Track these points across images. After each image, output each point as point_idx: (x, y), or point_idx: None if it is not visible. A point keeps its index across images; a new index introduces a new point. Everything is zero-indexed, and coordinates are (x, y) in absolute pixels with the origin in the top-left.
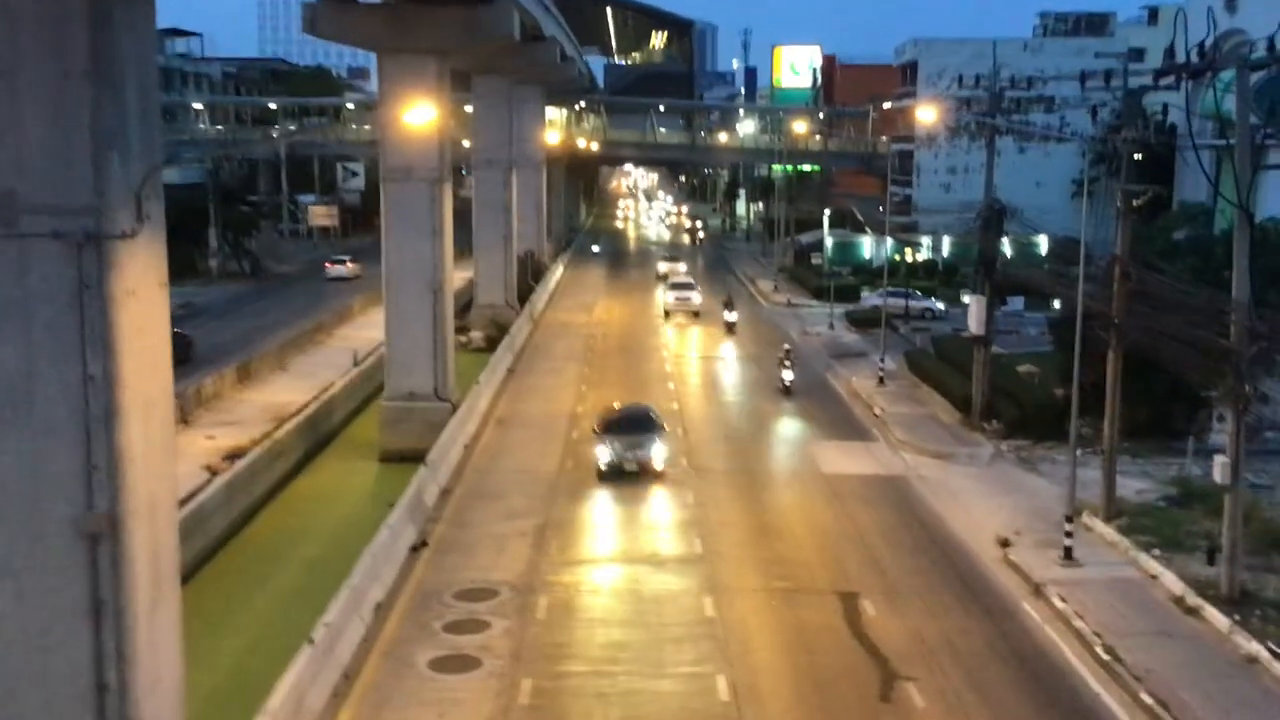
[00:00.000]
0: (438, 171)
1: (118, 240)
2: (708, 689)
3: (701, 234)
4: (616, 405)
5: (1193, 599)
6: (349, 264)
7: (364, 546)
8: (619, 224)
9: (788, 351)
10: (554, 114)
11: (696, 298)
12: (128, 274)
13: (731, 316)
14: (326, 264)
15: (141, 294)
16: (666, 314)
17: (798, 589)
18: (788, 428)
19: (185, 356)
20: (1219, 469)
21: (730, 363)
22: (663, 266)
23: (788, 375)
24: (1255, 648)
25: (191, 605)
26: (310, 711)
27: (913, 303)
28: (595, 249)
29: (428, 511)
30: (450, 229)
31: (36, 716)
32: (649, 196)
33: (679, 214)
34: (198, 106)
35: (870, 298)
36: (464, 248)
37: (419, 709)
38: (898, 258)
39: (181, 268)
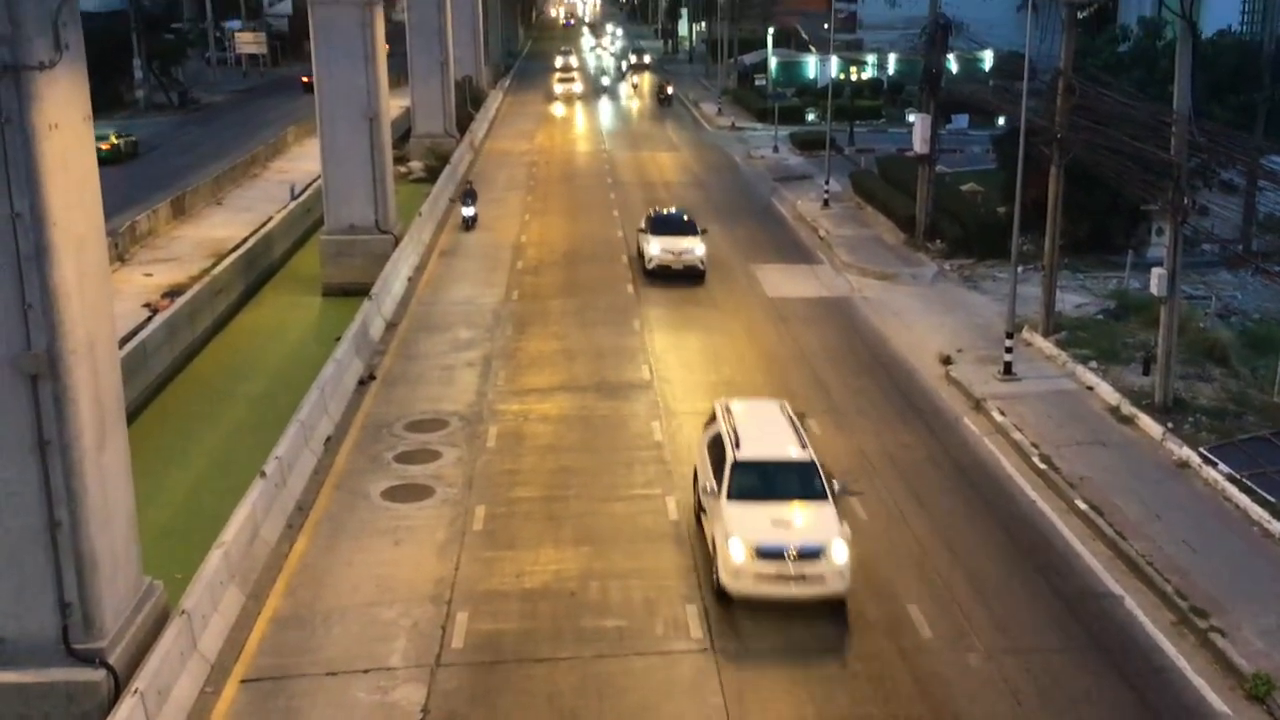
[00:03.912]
0: None
1: (36, 71)
2: (657, 509)
3: (670, 89)
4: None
5: (1127, 408)
6: None
7: (311, 381)
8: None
9: None
10: None
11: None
12: (49, 107)
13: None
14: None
15: (65, 127)
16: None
17: None
18: (732, 254)
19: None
20: (1156, 280)
21: (675, 188)
22: (656, 248)
23: None
24: (1186, 453)
25: (140, 443)
26: (265, 542)
27: None
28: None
29: (374, 344)
30: (384, 54)
31: None
32: (595, 31)
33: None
34: None
35: None
36: (399, 75)
37: (374, 537)
38: (843, 77)
39: (107, 100)
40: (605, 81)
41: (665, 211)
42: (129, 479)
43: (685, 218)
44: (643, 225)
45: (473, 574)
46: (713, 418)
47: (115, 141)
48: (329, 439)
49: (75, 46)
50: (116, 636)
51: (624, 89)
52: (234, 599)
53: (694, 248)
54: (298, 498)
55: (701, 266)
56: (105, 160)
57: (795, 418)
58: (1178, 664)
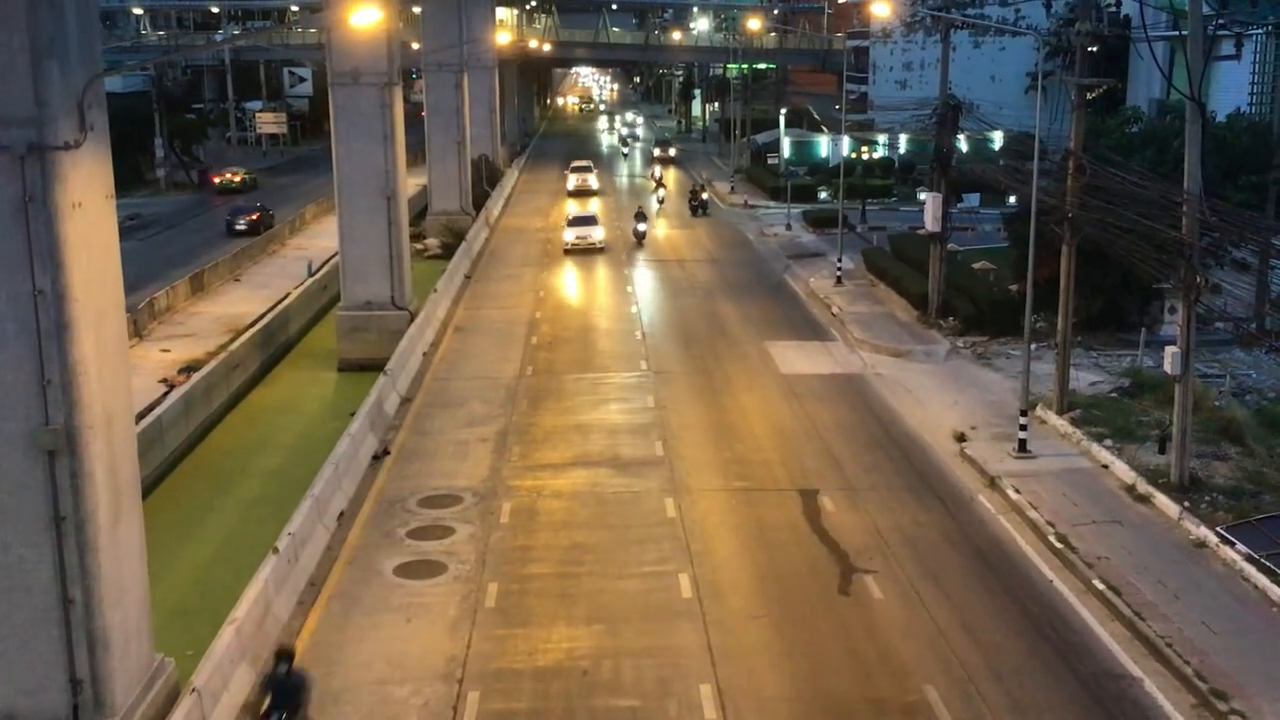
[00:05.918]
0: (387, 75)
1: (61, 151)
2: (671, 586)
3: (706, 194)
4: None
5: (1144, 487)
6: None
7: (325, 456)
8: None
9: None
10: (504, 14)
11: None
12: (72, 186)
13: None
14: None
15: (88, 206)
16: None
17: (758, 488)
18: (745, 330)
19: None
20: (1170, 359)
21: (690, 264)
22: None
23: None
24: (1204, 533)
25: (154, 518)
26: (277, 619)
27: None
28: None
29: (388, 420)
30: (402, 134)
31: (1, 631)
32: (614, 120)
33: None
34: (138, 11)
35: None
36: (416, 153)
37: (386, 614)
38: (854, 156)
39: (128, 179)
40: (642, 228)
41: None
42: (143, 555)
43: None
44: None
45: (485, 652)
46: None
47: (245, 176)
48: (342, 514)
49: (100, 127)
50: (127, 714)
51: (651, 202)
52: (245, 676)
53: None
54: (310, 574)
55: None
56: (239, 190)
57: None
58: None
